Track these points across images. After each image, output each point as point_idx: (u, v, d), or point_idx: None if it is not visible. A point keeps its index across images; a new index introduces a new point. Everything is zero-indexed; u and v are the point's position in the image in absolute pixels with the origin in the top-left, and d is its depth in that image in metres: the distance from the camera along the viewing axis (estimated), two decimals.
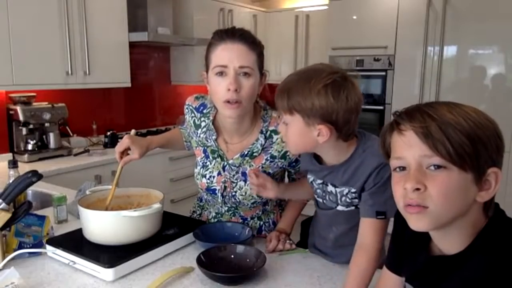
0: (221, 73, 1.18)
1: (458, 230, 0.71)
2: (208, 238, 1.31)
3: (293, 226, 1.42)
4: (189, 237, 1.33)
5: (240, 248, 1.22)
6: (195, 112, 1.40)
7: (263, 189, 1.24)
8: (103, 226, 1.21)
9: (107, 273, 1.11)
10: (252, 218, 1.45)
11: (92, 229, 1.23)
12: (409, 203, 0.68)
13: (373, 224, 1.04)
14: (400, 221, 0.82)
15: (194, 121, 1.39)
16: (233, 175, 1.34)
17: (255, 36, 1.24)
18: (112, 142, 3.11)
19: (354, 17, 3.84)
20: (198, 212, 1.60)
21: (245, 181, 1.31)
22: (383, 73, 3.70)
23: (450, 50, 3.39)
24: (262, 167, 1.31)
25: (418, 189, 0.67)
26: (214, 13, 3.96)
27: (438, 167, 0.66)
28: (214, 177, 1.36)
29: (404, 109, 0.72)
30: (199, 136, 1.38)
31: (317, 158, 1.14)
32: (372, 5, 3.69)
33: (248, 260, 1.19)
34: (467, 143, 0.65)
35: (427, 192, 0.67)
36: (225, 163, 1.34)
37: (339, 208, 1.15)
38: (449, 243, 0.73)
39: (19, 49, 2.49)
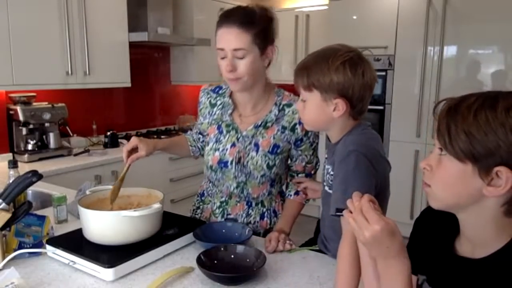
0: (222, 56, 1.31)
1: (478, 221, 0.73)
2: (208, 238, 1.31)
3: (292, 226, 1.44)
4: (189, 237, 1.33)
5: (240, 248, 1.22)
6: (211, 93, 1.51)
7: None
8: (103, 226, 1.21)
9: (107, 273, 1.11)
10: (256, 203, 1.49)
11: (92, 229, 1.23)
12: (422, 179, 0.77)
13: (344, 222, 1.02)
14: (422, 221, 0.87)
15: (210, 101, 1.50)
16: (246, 146, 1.41)
17: (255, 12, 1.31)
18: (112, 142, 3.11)
19: (354, 17, 3.84)
20: (200, 208, 1.62)
21: (257, 151, 1.39)
22: (383, 73, 3.70)
23: (450, 50, 3.39)
24: (274, 138, 1.39)
25: (426, 168, 0.75)
26: (214, 13, 3.92)
27: (441, 151, 0.73)
28: (227, 149, 1.43)
29: (456, 98, 0.73)
30: (215, 114, 1.48)
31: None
32: (372, 5, 3.69)
33: (248, 260, 1.19)
34: (462, 138, 0.68)
35: (432, 173, 0.74)
36: (239, 135, 1.42)
37: (326, 188, 1.18)
38: (473, 233, 0.76)
39: (19, 49, 2.49)
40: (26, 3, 2.50)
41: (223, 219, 1.52)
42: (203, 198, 1.62)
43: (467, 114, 0.68)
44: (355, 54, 1.06)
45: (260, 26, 1.29)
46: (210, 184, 1.58)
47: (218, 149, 1.44)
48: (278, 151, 1.41)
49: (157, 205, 1.24)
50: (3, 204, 1.17)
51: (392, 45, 3.61)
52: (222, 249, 1.21)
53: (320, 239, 1.34)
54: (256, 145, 1.40)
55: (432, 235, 0.85)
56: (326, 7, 4.09)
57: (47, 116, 2.73)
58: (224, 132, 1.45)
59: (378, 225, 0.73)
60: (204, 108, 1.53)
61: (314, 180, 1.49)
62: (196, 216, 1.63)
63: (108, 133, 3.15)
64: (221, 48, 1.30)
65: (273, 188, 1.50)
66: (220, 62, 1.32)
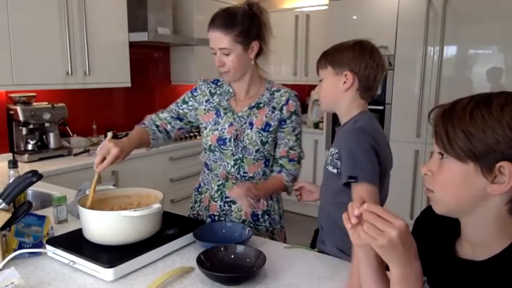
0: (213, 53, 1.50)
1: (482, 223, 0.73)
2: (208, 238, 1.31)
3: (267, 193, 1.55)
4: (189, 237, 1.33)
5: (240, 248, 1.22)
6: (211, 84, 1.65)
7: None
8: (103, 226, 1.21)
9: (107, 273, 1.11)
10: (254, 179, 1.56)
11: (92, 229, 1.23)
12: (424, 185, 0.77)
13: (354, 190, 1.13)
14: (422, 223, 0.87)
15: (210, 91, 1.63)
16: (242, 125, 1.55)
17: (237, 14, 1.46)
18: None
19: (354, 17, 3.84)
20: (198, 200, 1.66)
21: (251, 129, 1.54)
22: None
23: (450, 50, 3.39)
24: (266, 117, 1.54)
25: (427, 174, 0.75)
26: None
27: (442, 155, 0.72)
28: (225, 128, 1.55)
29: (449, 102, 0.74)
30: (214, 102, 1.61)
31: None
32: (372, 5, 3.70)
33: (248, 260, 1.19)
34: (461, 137, 0.68)
35: (434, 177, 0.74)
36: (235, 116, 1.56)
37: (329, 168, 1.28)
38: (475, 236, 0.76)
39: (19, 49, 2.49)
40: (26, 3, 2.50)
41: (222, 203, 1.57)
42: (200, 190, 1.67)
43: (463, 114, 0.69)
44: (367, 41, 1.27)
45: (240, 28, 1.45)
46: (206, 173, 1.63)
47: (217, 129, 1.57)
48: (270, 129, 1.54)
49: (157, 205, 1.24)
50: (3, 204, 1.17)
51: (392, 45, 3.61)
52: (222, 249, 1.21)
53: (320, 237, 1.36)
54: (251, 124, 1.54)
55: (432, 236, 0.85)
56: (326, 7, 4.09)
57: (47, 116, 2.73)
58: (222, 114, 1.58)
59: (402, 221, 0.67)
60: (202, 96, 1.63)
61: (312, 183, 1.55)
62: (195, 210, 1.67)
63: (108, 133, 3.14)
64: (212, 48, 1.50)
65: (267, 168, 1.58)
66: (213, 57, 1.53)
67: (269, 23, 1.54)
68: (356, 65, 1.22)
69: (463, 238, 0.79)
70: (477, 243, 0.75)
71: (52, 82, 2.70)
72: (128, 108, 3.64)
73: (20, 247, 1.25)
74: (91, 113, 3.32)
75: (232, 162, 1.55)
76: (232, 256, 1.20)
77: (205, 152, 1.61)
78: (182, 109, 1.66)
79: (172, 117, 1.67)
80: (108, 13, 2.99)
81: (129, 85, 3.21)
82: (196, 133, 3.45)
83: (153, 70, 3.84)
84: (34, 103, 2.76)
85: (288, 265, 1.22)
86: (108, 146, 1.37)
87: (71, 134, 2.99)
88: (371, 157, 1.14)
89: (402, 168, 3.67)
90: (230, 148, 1.54)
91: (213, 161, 1.58)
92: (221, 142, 1.55)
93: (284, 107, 1.55)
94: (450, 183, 0.72)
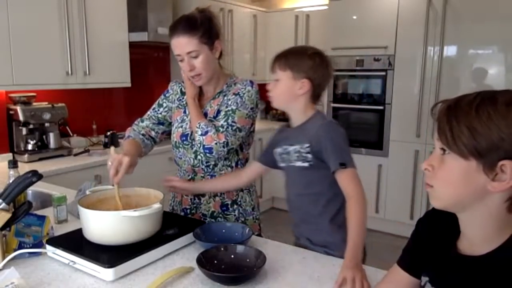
0: (180, 60, 1.53)
1: (480, 219, 0.73)
2: (208, 238, 1.31)
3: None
4: (189, 237, 1.33)
5: (240, 248, 1.22)
6: (182, 83, 1.70)
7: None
8: (103, 226, 1.21)
9: (107, 273, 1.11)
10: (220, 175, 1.59)
11: (92, 229, 1.23)
12: (424, 180, 0.78)
13: (344, 174, 1.26)
14: (425, 224, 0.87)
15: (181, 89, 1.69)
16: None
17: (196, 18, 1.50)
18: (112, 142, 3.11)
19: (354, 17, 3.84)
20: (173, 195, 1.72)
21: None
22: (383, 73, 3.70)
23: (450, 50, 3.39)
24: (217, 105, 1.58)
25: (427, 169, 0.75)
26: (214, 13, 3.96)
27: (444, 151, 0.72)
28: (187, 123, 1.60)
29: (453, 98, 0.74)
30: (184, 100, 1.65)
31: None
32: (372, 5, 3.70)
33: (248, 260, 1.19)
34: (465, 133, 0.68)
35: (434, 172, 0.74)
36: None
37: (297, 164, 1.35)
38: (474, 233, 0.76)
39: (19, 49, 2.49)
40: (26, 3, 2.50)
41: (192, 196, 1.63)
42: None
43: (468, 110, 0.68)
44: (324, 53, 1.36)
45: (203, 29, 1.49)
46: (178, 169, 1.69)
47: (181, 126, 1.62)
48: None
49: (157, 205, 1.24)
50: (3, 204, 1.17)
51: (392, 45, 3.61)
52: (222, 249, 1.21)
53: (298, 233, 1.45)
54: (206, 114, 1.58)
55: (434, 237, 0.85)
56: (326, 7, 4.09)
57: (47, 116, 2.73)
58: (187, 112, 1.62)
59: None
60: (174, 94, 1.70)
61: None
62: (171, 205, 1.73)
63: (108, 133, 3.15)
64: (178, 54, 1.53)
65: (229, 156, 1.59)
66: (180, 65, 1.55)
67: (220, 26, 1.60)
68: (314, 74, 1.31)
69: (462, 236, 0.79)
70: (476, 239, 0.75)
71: (52, 82, 2.70)
72: (128, 108, 3.64)
73: (20, 247, 1.24)
74: (91, 113, 3.32)
75: (193, 156, 1.59)
76: (232, 256, 1.20)
77: (173, 150, 1.67)
78: (160, 113, 1.71)
79: (153, 123, 1.71)
80: (108, 13, 2.99)
81: (129, 85, 3.21)
82: None
83: (153, 70, 3.84)
84: (34, 103, 2.76)
85: (288, 265, 1.22)
86: (118, 157, 1.38)
87: (71, 134, 2.99)
88: (348, 145, 1.31)
89: (402, 168, 3.67)
90: (190, 143, 1.58)
91: (179, 157, 1.64)
92: (184, 138, 1.60)
93: (229, 94, 1.57)
94: (451, 179, 0.72)
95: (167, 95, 1.73)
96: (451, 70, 3.40)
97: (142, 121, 1.74)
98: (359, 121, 3.95)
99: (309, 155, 1.31)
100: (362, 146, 3.89)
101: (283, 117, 4.89)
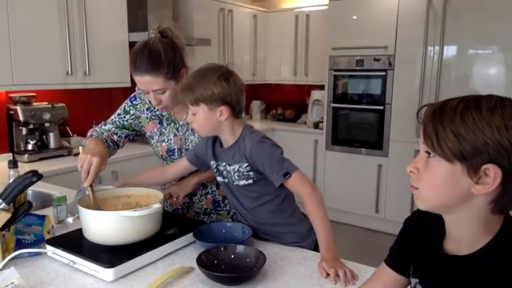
0: (145, 91, 1.50)
1: (465, 221, 0.75)
2: (208, 238, 1.31)
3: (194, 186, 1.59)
4: (189, 237, 1.33)
5: (240, 248, 1.22)
6: None
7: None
8: (103, 226, 1.21)
9: (107, 273, 1.11)
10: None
11: (92, 229, 1.23)
12: (410, 182, 0.78)
13: (291, 181, 1.27)
14: (412, 223, 0.88)
15: (150, 101, 1.59)
16: (184, 133, 1.59)
17: (159, 52, 1.43)
18: None
19: (354, 17, 3.84)
20: (167, 200, 1.68)
21: (194, 135, 1.58)
22: (383, 73, 3.70)
23: (450, 50, 3.39)
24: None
25: (412, 171, 0.77)
26: (214, 13, 3.96)
27: (429, 154, 0.73)
28: (171, 139, 1.61)
29: (438, 102, 0.76)
30: (156, 111, 1.63)
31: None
32: (372, 5, 3.70)
33: (248, 260, 1.19)
34: (451, 138, 0.69)
35: (419, 175, 0.75)
36: (178, 125, 1.61)
37: (240, 182, 1.35)
38: (459, 233, 0.77)
39: (19, 49, 2.49)
40: (26, 3, 2.50)
41: (186, 197, 1.62)
42: (163, 187, 1.70)
43: (453, 115, 0.70)
44: (225, 69, 1.30)
45: (167, 63, 1.44)
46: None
47: (164, 140, 1.62)
48: None
49: (157, 205, 1.24)
50: (3, 204, 1.17)
51: (392, 45, 3.61)
52: (222, 249, 1.21)
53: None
54: (193, 130, 1.56)
55: (420, 237, 0.87)
56: (326, 7, 4.09)
57: (47, 116, 2.73)
58: (165, 125, 1.62)
59: None
60: (143, 104, 1.65)
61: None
62: (165, 207, 1.69)
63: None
64: (144, 90, 1.50)
65: None
66: (147, 95, 1.53)
67: (183, 44, 1.54)
68: (227, 97, 1.28)
69: (448, 237, 0.81)
70: (461, 240, 0.77)
71: (52, 82, 2.70)
72: None
73: (20, 243, 1.25)
74: (91, 113, 3.32)
75: None
76: (232, 256, 1.20)
77: (159, 159, 1.67)
78: (126, 120, 1.68)
79: (117, 127, 1.68)
80: (108, 13, 2.99)
81: (129, 85, 3.21)
82: None
83: None
84: (34, 103, 2.76)
85: (288, 265, 1.22)
86: (88, 160, 1.36)
87: (71, 134, 2.99)
88: (282, 152, 1.32)
89: (402, 168, 3.66)
90: (178, 158, 1.59)
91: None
92: (171, 153, 1.61)
93: None
94: (436, 181, 0.73)
95: (135, 103, 1.67)
96: (451, 70, 3.40)
97: (105, 125, 1.70)
98: (359, 121, 3.95)
99: (251, 173, 1.32)
100: (362, 146, 3.89)
101: (283, 117, 4.89)
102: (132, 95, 1.69)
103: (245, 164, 1.32)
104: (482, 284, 0.72)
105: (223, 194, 1.61)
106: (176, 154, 1.60)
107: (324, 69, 4.06)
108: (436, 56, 3.42)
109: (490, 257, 0.72)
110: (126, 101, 1.69)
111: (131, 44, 3.17)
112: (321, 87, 4.27)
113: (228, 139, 1.36)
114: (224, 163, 1.38)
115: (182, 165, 1.52)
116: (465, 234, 0.76)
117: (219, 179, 1.43)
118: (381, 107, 3.75)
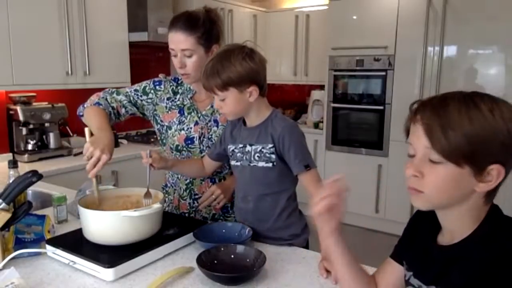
0: (173, 55, 1.51)
1: (460, 214, 0.77)
2: (208, 238, 1.31)
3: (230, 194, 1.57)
4: (189, 237, 1.33)
5: (240, 248, 1.22)
6: (172, 82, 1.65)
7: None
8: (103, 226, 1.21)
9: (107, 273, 1.11)
10: (220, 179, 1.60)
11: (92, 229, 1.23)
12: (409, 186, 0.79)
13: (308, 176, 1.28)
14: (415, 217, 0.91)
15: (172, 89, 1.63)
16: (207, 123, 1.58)
17: (198, 17, 1.47)
18: None
19: (354, 17, 3.84)
20: (166, 199, 1.68)
21: (217, 126, 1.57)
22: (383, 73, 3.70)
23: (450, 50, 3.39)
24: None
25: (416, 175, 0.77)
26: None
27: (435, 161, 0.73)
28: (191, 127, 1.58)
29: (424, 99, 0.78)
30: (177, 100, 1.62)
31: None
32: (372, 5, 3.70)
33: (248, 260, 1.19)
34: (463, 143, 0.70)
35: (424, 179, 0.75)
36: (200, 115, 1.59)
37: (259, 164, 1.33)
38: (453, 225, 0.79)
39: (19, 49, 2.49)
40: (26, 3, 2.50)
41: (191, 200, 1.61)
42: (167, 189, 1.70)
43: (459, 118, 0.70)
44: (247, 48, 1.28)
45: (203, 29, 1.46)
46: (171, 173, 1.66)
47: (183, 129, 1.58)
48: None
49: (157, 205, 1.24)
50: (3, 204, 1.17)
51: (392, 45, 3.61)
52: (222, 249, 1.21)
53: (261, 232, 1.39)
54: (216, 121, 1.57)
55: (418, 231, 0.89)
56: (326, 7, 4.09)
57: (47, 116, 2.73)
58: (186, 114, 1.59)
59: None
60: (165, 93, 1.62)
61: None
62: (170, 211, 1.67)
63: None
64: (172, 49, 1.50)
65: None
66: (172, 59, 1.52)
67: (223, 28, 1.57)
68: (255, 78, 1.26)
69: (443, 229, 0.83)
70: (455, 231, 0.79)
71: (52, 82, 2.70)
72: None
73: (20, 242, 1.25)
74: None
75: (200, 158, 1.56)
76: (232, 256, 1.20)
77: (171, 152, 1.61)
78: (141, 100, 1.62)
79: (129, 101, 1.60)
80: (108, 13, 2.99)
81: (129, 85, 3.20)
82: None
83: (153, 70, 3.83)
84: (34, 103, 2.76)
85: (288, 265, 1.22)
86: (98, 155, 1.30)
87: (71, 134, 2.99)
88: (307, 146, 1.33)
89: (402, 168, 3.66)
90: (197, 147, 1.56)
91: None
92: (189, 142, 1.57)
93: None
94: (443, 185, 0.74)
95: (158, 89, 1.62)
96: (451, 70, 3.40)
97: (118, 94, 1.61)
98: (359, 121, 3.95)
99: (273, 156, 1.30)
100: (362, 146, 3.89)
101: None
102: (157, 78, 1.65)
103: (270, 145, 1.30)
104: (468, 268, 0.74)
105: (232, 200, 1.58)
106: (195, 142, 1.56)
107: (324, 69, 4.06)
108: (436, 56, 3.42)
109: (474, 243, 0.75)
110: (148, 82, 1.64)
111: (131, 44, 3.18)
112: (321, 87, 4.27)
113: (254, 119, 1.35)
114: (242, 145, 1.36)
115: (209, 161, 1.51)
116: (459, 225, 0.78)
117: (233, 162, 1.40)
118: (381, 107, 3.75)
